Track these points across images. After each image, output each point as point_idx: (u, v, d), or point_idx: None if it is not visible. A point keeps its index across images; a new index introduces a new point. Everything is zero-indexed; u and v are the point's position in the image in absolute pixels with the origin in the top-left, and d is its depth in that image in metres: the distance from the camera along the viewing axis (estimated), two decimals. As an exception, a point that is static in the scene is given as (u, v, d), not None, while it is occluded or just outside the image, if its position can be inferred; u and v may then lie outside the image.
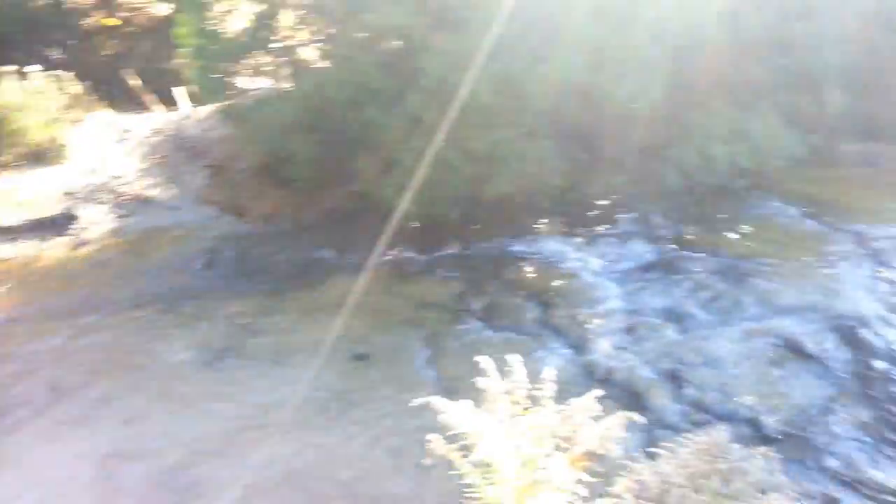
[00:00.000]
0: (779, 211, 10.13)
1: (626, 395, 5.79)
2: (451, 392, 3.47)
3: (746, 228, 9.69)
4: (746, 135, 10.76)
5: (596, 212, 10.19)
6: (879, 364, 5.87)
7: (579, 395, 5.76)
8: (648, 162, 10.85)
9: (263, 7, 9.35)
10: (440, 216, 9.36)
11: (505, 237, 9.38)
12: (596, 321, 7.07)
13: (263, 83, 11.54)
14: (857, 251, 8.60)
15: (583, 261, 8.65)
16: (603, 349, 6.53)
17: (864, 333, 6.41)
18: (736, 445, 3.05)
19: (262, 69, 10.91)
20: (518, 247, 9.19)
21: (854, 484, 4.56)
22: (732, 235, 9.56)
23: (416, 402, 2.92)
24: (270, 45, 10.28)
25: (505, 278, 8.33)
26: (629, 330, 6.92)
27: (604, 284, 8.06)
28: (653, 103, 9.98)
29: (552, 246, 9.12)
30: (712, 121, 10.72)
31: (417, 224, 9.37)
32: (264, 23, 9.88)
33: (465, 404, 2.89)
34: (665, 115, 11.01)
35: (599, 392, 3.05)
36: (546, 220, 9.88)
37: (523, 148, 9.06)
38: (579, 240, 9.28)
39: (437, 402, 2.87)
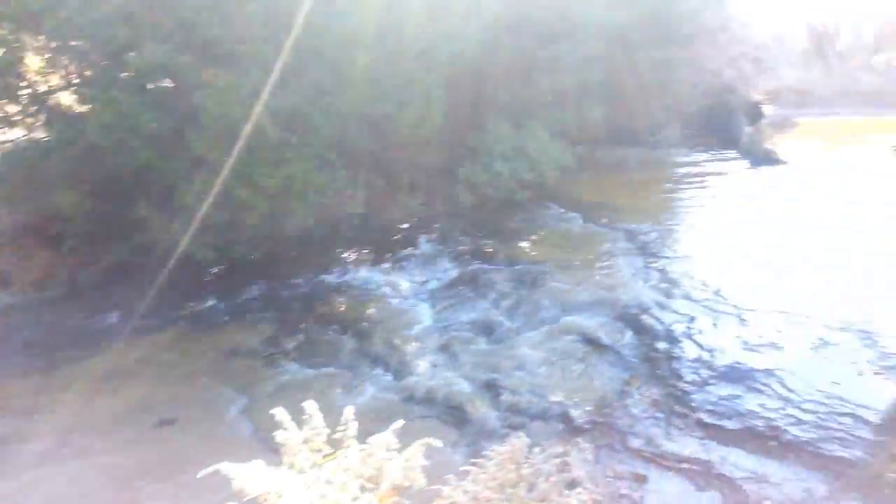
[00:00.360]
0: (559, 216, 11.06)
1: (448, 412, 5.89)
2: (269, 444, 3.25)
3: (535, 236, 10.45)
4: (524, 150, 11.68)
5: (399, 236, 10.39)
6: (661, 345, 6.57)
7: (404, 419, 5.78)
8: (441, 183, 11.32)
9: (2, 52, 8.25)
10: (241, 258, 8.93)
11: (313, 271, 9.19)
12: (412, 344, 7.15)
13: (15, 134, 10.21)
14: (628, 246, 9.63)
15: (392, 286, 8.73)
16: (421, 370, 6.60)
17: (646, 319, 7.15)
18: (537, 449, 3.18)
19: (12, 119, 9.64)
20: (328, 279, 9.05)
21: (655, 458, 5.02)
22: (524, 244, 10.25)
23: (202, 473, 2.61)
24: (20, 93, 9.12)
25: (318, 313, 8.14)
26: (444, 347, 7.07)
27: (415, 306, 8.19)
28: (437, 127, 10.43)
29: (361, 274, 9.11)
30: (493, 140, 11.50)
31: (216, 270, 8.85)
32: (8, 69, 8.75)
33: (258, 464, 2.66)
34: (451, 138, 11.59)
35: (400, 423, 2.97)
36: (352, 250, 9.86)
37: (319, 180, 8.98)
38: (387, 265, 9.37)
39: (227, 468, 2.62)
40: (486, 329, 7.44)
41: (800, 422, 5.16)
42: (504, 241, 10.23)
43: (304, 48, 8.34)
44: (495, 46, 11.88)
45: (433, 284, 8.80)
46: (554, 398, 5.94)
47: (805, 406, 5.33)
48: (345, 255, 9.67)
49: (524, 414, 5.77)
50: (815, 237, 9.51)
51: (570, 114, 13.12)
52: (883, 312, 7.00)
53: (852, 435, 4.90)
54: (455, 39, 10.13)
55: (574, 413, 5.65)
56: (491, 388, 6.26)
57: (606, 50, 13.17)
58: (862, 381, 5.67)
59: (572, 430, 5.50)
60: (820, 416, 5.19)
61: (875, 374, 5.74)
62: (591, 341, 6.83)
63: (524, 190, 11.62)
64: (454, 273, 9.08)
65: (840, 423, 5.06)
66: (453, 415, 5.85)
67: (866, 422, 5.02)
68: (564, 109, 13.04)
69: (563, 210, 11.29)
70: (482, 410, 5.87)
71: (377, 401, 6.10)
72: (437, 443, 2.91)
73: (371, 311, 8.08)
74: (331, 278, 9.00)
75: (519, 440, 3.10)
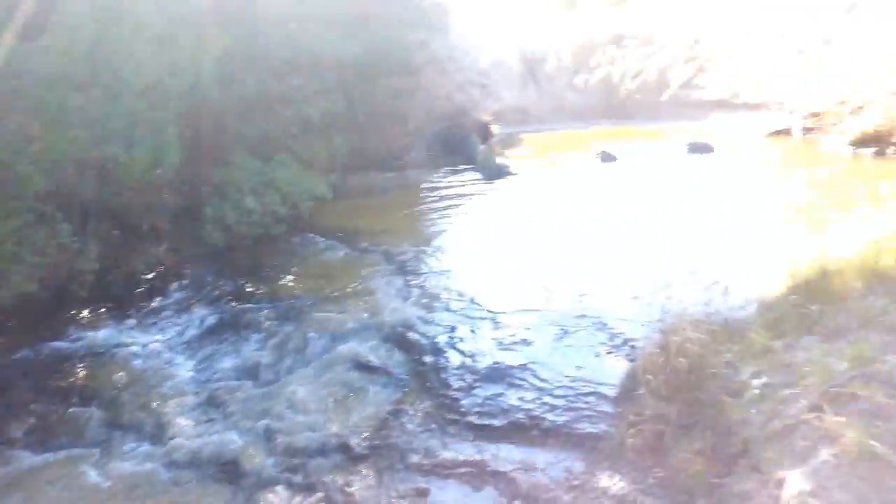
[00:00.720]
0: (319, 247, 11.00)
1: (219, 469, 5.50)
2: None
3: (296, 269, 10.25)
4: (274, 184, 11.42)
5: (144, 287, 9.50)
6: (428, 358, 6.82)
7: (167, 491, 5.26)
8: (187, 225, 10.62)
9: None
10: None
11: (43, 340, 7.99)
12: (170, 403, 6.55)
13: None
14: (389, 268, 9.89)
15: (141, 343, 7.94)
16: (184, 430, 6.08)
17: (412, 336, 7.37)
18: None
19: None
20: (61, 347, 7.93)
21: (434, 469, 5.17)
22: (286, 279, 9.99)
23: None
24: None
25: (52, 387, 7.08)
26: (207, 400, 6.60)
27: (170, 361, 7.53)
28: (175, 167, 9.79)
29: (102, 336, 8.14)
30: (240, 175, 11.09)
31: None
32: None
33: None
34: (193, 177, 10.94)
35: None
36: (88, 310, 8.80)
37: (36, 237, 7.88)
38: (132, 321, 8.50)
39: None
40: (253, 373, 7.09)
41: (554, 408, 5.68)
42: (264, 278, 9.89)
43: (3, 90, 7.32)
44: (231, 80, 11.53)
45: (189, 334, 8.19)
46: (331, 431, 5.84)
47: (556, 392, 5.89)
48: (80, 316, 8.59)
49: (302, 454, 5.59)
50: (548, 239, 10.60)
51: (318, 144, 13.17)
52: (608, 301, 8.03)
53: (597, 411, 5.51)
54: (184, 74, 9.60)
55: (352, 442, 5.61)
56: (264, 435, 5.97)
57: (345, 80, 13.48)
58: (599, 361, 6.42)
59: (353, 459, 5.46)
60: (569, 399, 5.77)
61: (608, 353, 6.54)
62: (362, 367, 6.86)
63: (280, 224, 11.35)
64: (212, 319, 8.54)
65: (586, 402, 5.67)
66: (226, 471, 5.47)
67: (606, 397, 5.68)
68: (312, 140, 13.06)
69: (322, 240, 11.23)
70: (257, 460, 5.58)
71: (135, 476, 5.48)
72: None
73: (118, 374, 7.26)
74: (64, 345, 7.90)
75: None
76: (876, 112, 15.48)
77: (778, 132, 18.43)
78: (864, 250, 5.36)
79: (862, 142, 15.46)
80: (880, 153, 14.87)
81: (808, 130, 17.64)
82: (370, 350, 7.20)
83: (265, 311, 8.63)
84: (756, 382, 4.38)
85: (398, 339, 7.40)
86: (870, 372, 3.69)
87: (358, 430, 5.80)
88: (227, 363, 7.39)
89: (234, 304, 8.97)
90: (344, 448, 5.57)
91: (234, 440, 5.90)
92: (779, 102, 19.45)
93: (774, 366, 4.53)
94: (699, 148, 17.00)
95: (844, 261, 5.46)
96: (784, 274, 5.96)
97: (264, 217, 11.15)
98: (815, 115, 17.72)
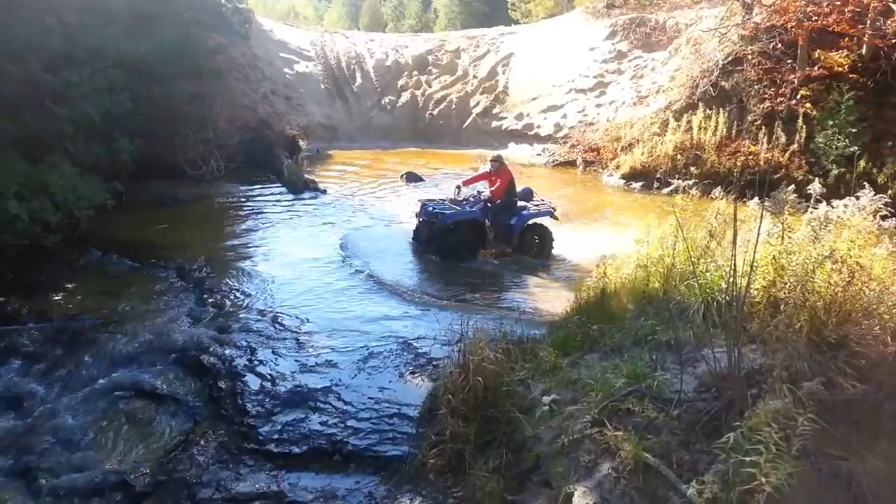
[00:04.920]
0: (100, 261, 9.94)
1: (-35, 520, 4.69)
2: None
3: (72, 286, 9.15)
4: (45, 188, 10.10)
5: None
6: (224, 383, 6.38)
7: None
8: (-70, 232, 9.03)
9: None
10: None
11: None
12: None
13: None
14: (181, 285, 9.18)
15: None
16: (-84, 477, 5.09)
17: (206, 359, 6.85)
18: None
19: None
20: None
21: (227, 502, 4.83)
22: (58, 296, 8.86)
23: None
24: None
25: None
26: (-49, 437, 5.61)
27: None
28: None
29: None
30: (2, 177, 9.64)
31: None
32: None
33: None
34: (-61, 177, 9.36)
35: None
36: None
37: None
38: None
39: None
40: (14, 403, 6.15)
41: (357, 431, 5.59)
42: (31, 295, 8.66)
43: None
44: (-8, 73, 10.03)
45: (-71, 361, 6.93)
46: (108, 468, 5.24)
47: (360, 415, 5.81)
48: None
49: (73, 495, 4.94)
50: (353, 255, 10.53)
51: (99, 147, 11.89)
52: (413, 320, 8.16)
53: (400, 432, 5.52)
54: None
55: (133, 478, 5.07)
56: (25, 474, 5.20)
57: (130, 80, 12.35)
58: (403, 382, 6.46)
59: (133, 498, 4.93)
60: (373, 421, 5.72)
61: (412, 373, 6.61)
62: (147, 395, 6.24)
63: (51, 234, 10.03)
64: (-40, 343, 7.30)
65: (390, 424, 5.65)
66: (-27, 521, 4.67)
67: (410, 417, 5.71)
68: (92, 143, 11.76)
69: (103, 253, 10.15)
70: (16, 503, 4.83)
71: None
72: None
73: None
74: None
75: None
76: (642, 150, 17.59)
77: (564, 164, 20.21)
78: (636, 275, 5.99)
79: (632, 176, 17.47)
80: (647, 186, 16.91)
81: (588, 164, 19.55)
82: (156, 375, 6.59)
83: (31, 333, 7.54)
84: (546, 399, 4.67)
85: (190, 362, 6.85)
86: (643, 387, 4.09)
87: (139, 466, 5.25)
88: (-22, 394, 6.35)
89: (-11, 325, 7.75)
90: (122, 486, 5.01)
91: (-18, 484, 5.07)
92: (565, 136, 21.35)
93: (562, 382, 4.87)
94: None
95: (620, 284, 6.06)
96: (569, 295, 6.49)
97: (32, 225, 9.79)
98: (594, 149, 19.72)
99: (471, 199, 10.93)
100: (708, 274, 4.99)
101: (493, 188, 10.81)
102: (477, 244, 10.70)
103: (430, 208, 10.69)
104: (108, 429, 5.69)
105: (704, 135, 16.82)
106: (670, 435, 3.76)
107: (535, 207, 11.16)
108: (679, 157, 16.85)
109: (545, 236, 11.02)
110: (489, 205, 10.75)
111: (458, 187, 11.18)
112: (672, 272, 5.45)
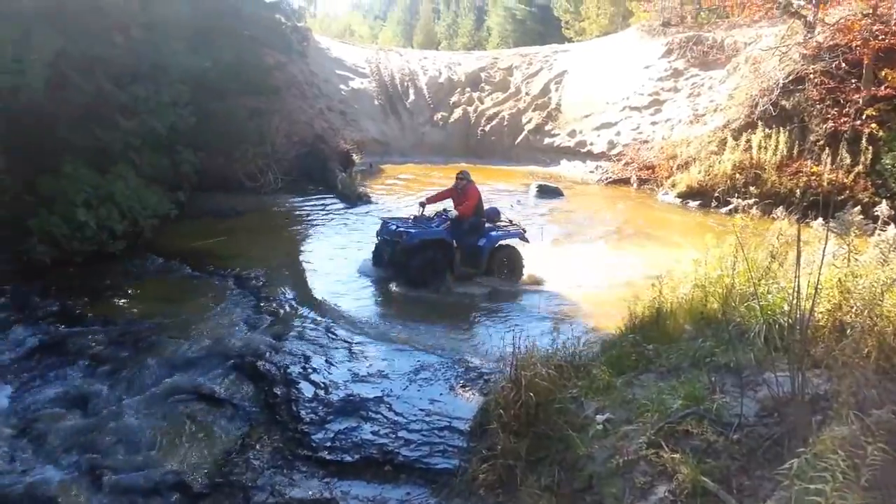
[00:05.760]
0: (162, 268, 10.27)
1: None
2: None
3: (135, 291, 9.50)
4: (112, 197, 10.54)
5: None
6: (279, 389, 6.50)
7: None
8: (8, 237, 9.51)
9: None
10: None
11: None
12: (-25, 437, 5.75)
13: None
14: (239, 293, 9.42)
15: (-55, 367, 6.95)
16: (-10, 469, 5.35)
17: (262, 365, 7.01)
18: None
19: None
20: None
21: (280, 508, 4.93)
22: (123, 301, 9.23)
23: None
24: None
25: None
26: (24, 432, 5.86)
27: (-19, 387, 6.64)
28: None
29: None
30: (72, 186, 10.12)
31: None
32: None
33: None
34: (14, 185, 9.88)
35: None
36: None
37: None
38: (-65, 343, 7.43)
39: None
40: (80, 402, 6.41)
41: (408, 442, 5.63)
42: (98, 299, 9.04)
43: None
44: (64, 85, 10.54)
45: (5, 357, 7.28)
46: (167, 468, 5.40)
47: (412, 427, 5.85)
48: None
49: (133, 493, 5.11)
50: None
51: (163, 159, 12.36)
52: (464, 333, 8.20)
53: (450, 445, 5.53)
54: (6, 74, 8.62)
55: (191, 479, 5.21)
56: (90, 471, 5.40)
57: (194, 95, 12.81)
58: (453, 395, 6.48)
59: (191, 498, 5.07)
60: (424, 433, 5.74)
61: (462, 387, 6.62)
62: (206, 398, 6.42)
63: (117, 241, 10.46)
64: (33, 341, 7.64)
65: (440, 437, 5.67)
66: (39, 514, 4.88)
67: (460, 431, 5.72)
68: (157, 154, 12.23)
69: (165, 261, 10.49)
70: (80, 499, 5.02)
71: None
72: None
73: (-85, 403, 6.29)
74: None
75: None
76: (699, 169, 17.30)
77: (617, 181, 20.01)
78: (694, 295, 5.89)
79: (688, 195, 17.18)
80: (704, 205, 16.59)
81: (642, 182, 19.31)
82: (214, 380, 6.77)
83: (97, 335, 7.86)
84: (600, 418, 4.62)
85: (246, 368, 7.02)
86: (701, 409, 4.02)
87: (198, 467, 5.40)
88: (50, 391, 6.62)
89: (60, 326, 8.09)
90: (181, 487, 5.15)
91: (52, 477, 5.28)
92: (619, 154, 21.16)
93: (616, 402, 4.81)
94: (548, 191, 18.02)
95: (677, 303, 5.96)
96: (624, 314, 6.41)
97: (99, 232, 10.23)
98: (649, 167, 19.47)
99: (436, 217, 10.07)
100: (770, 295, 4.88)
101: (460, 207, 9.96)
102: (444, 267, 9.83)
103: (393, 226, 9.86)
104: (169, 430, 5.87)
105: (764, 154, 16.43)
106: (730, 459, 3.68)
107: (503, 228, 10.56)
108: (738, 176, 16.50)
109: (515, 259, 10.37)
110: (456, 224, 9.89)
111: (422, 204, 10.38)
112: (731, 293, 5.34)
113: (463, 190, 10.07)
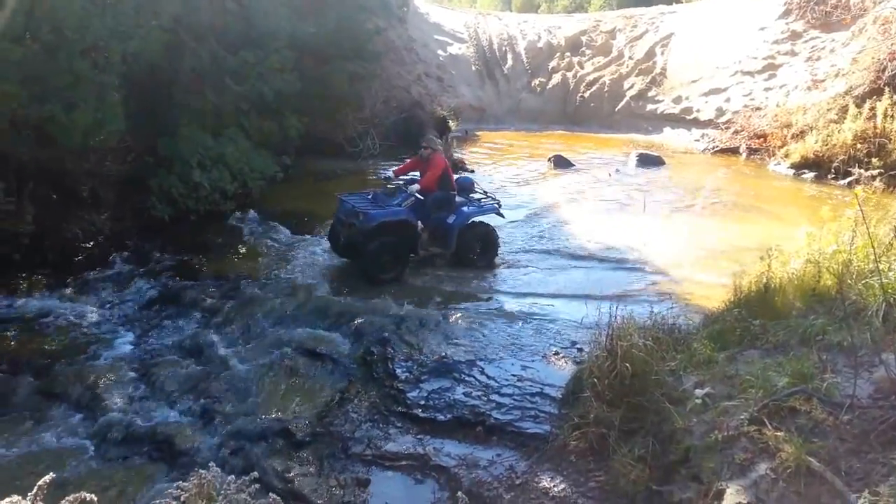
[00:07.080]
0: (267, 228, 10.75)
1: (154, 448, 5.34)
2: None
3: (243, 249, 10.04)
4: (223, 159, 11.08)
5: (83, 255, 9.12)
6: (376, 348, 6.71)
7: (96, 464, 5.07)
8: (131, 194, 10.23)
9: None
10: None
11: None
12: (106, 376, 6.32)
13: None
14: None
15: (78, 313, 7.63)
16: (118, 405, 5.87)
17: (358, 324, 7.26)
18: (231, 476, 2.90)
19: None
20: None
21: (376, 460, 5.14)
22: (232, 258, 9.77)
23: None
24: None
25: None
26: (145, 375, 6.39)
27: (108, 333, 7.28)
28: (119, 134, 9.38)
29: (35, 304, 7.78)
30: (188, 148, 10.72)
31: None
32: None
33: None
34: (137, 145, 10.54)
35: (49, 477, 2.54)
36: (22, 275, 8.39)
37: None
38: (69, 290, 8.16)
39: None
40: (195, 351, 6.91)
41: (499, 405, 5.70)
42: (209, 255, 9.63)
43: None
44: (180, 50, 11.09)
45: (128, 308, 7.91)
46: (273, 415, 5.75)
47: (503, 391, 5.92)
48: (13, 281, 8.18)
49: (242, 437, 5.47)
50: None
51: (271, 123, 12.83)
52: (557, 301, 8.14)
53: (542, 411, 5.56)
54: (129, 38, 9.14)
55: (294, 427, 5.52)
56: (204, 415, 5.83)
57: (299, 61, 13.14)
58: (545, 362, 6.49)
59: (294, 445, 5.37)
60: (515, 398, 5.80)
61: (555, 354, 6.62)
62: (308, 352, 6.75)
63: (228, 201, 11.04)
64: (153, 293, 8.27)
65: (532, 402, 5.71)
66: (161, 450, 5.32)
67: (552, 398, 5.74)
68: (265, 119, 12.71)
69: (271, 221, 10.98)
70: (195, 440, 5.44)
71: (63, 448, 5.27)
72: (92, 497, 2.50)
73: (51, 344, 6.97)
74: (-6, 312, 7.52)
75: (208, 472, 2.81)
76: (816, 138, 16.17)
77: (724, 150, 19.04)
78: (806, 270, 5.58)
79: (803, 165, 16.12)
80: (820, 177, 15.51)
81: (752, 151, 18.28)
82: (315, 336, 7.10)
83: (209, 289, 8.41)
84: (699, 392, 4.50)
85: (345, 326, 7.31)
86: (810, 388, 3.84)
87: (300, 416, 5.72)
88: (167, 339, 7.18)
89: (177, 279, 8.71)
90: (285, 433, 5.47)
91: (169, 419, 5.75)
92: (728, 121, 20.09)
93: (717, 377, 4.67)
94: (649, 160, 17.39)
95: (787, 279, 5.67)
96: (729, 288, 6.16)
97: (212, 193, 10.82)
98: (760, 135, 18.39)
99: (399, 194, 8.84)
100: (892, 273, 4.55)
101: (422, 180, 8.86)
102: (405, 252, 8.77)
103: (350, 205, 8.65)
104: (274, 380, 6.24)
105: (891, 123, 15.13)
106: (838, 441, 3.51)
107: (476, 203, 9.40)
108: (859, 146, 15.27)
109: (489, 238, 9.31)
110: (419, 201, 8.63)
111: (388, 178, 9.29)
112: (848, 269, 5.02)
113: (427, 159, 8.98)
